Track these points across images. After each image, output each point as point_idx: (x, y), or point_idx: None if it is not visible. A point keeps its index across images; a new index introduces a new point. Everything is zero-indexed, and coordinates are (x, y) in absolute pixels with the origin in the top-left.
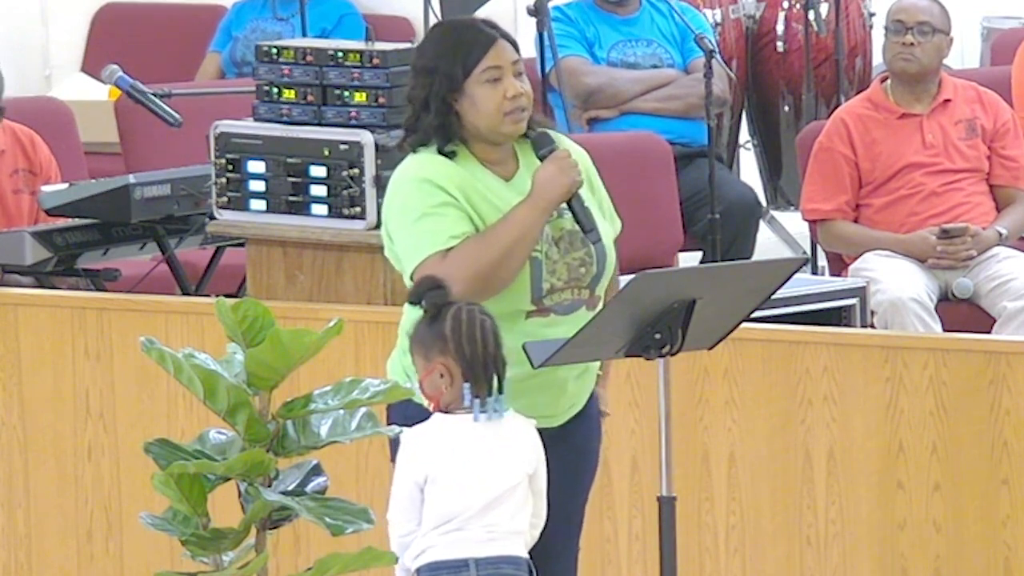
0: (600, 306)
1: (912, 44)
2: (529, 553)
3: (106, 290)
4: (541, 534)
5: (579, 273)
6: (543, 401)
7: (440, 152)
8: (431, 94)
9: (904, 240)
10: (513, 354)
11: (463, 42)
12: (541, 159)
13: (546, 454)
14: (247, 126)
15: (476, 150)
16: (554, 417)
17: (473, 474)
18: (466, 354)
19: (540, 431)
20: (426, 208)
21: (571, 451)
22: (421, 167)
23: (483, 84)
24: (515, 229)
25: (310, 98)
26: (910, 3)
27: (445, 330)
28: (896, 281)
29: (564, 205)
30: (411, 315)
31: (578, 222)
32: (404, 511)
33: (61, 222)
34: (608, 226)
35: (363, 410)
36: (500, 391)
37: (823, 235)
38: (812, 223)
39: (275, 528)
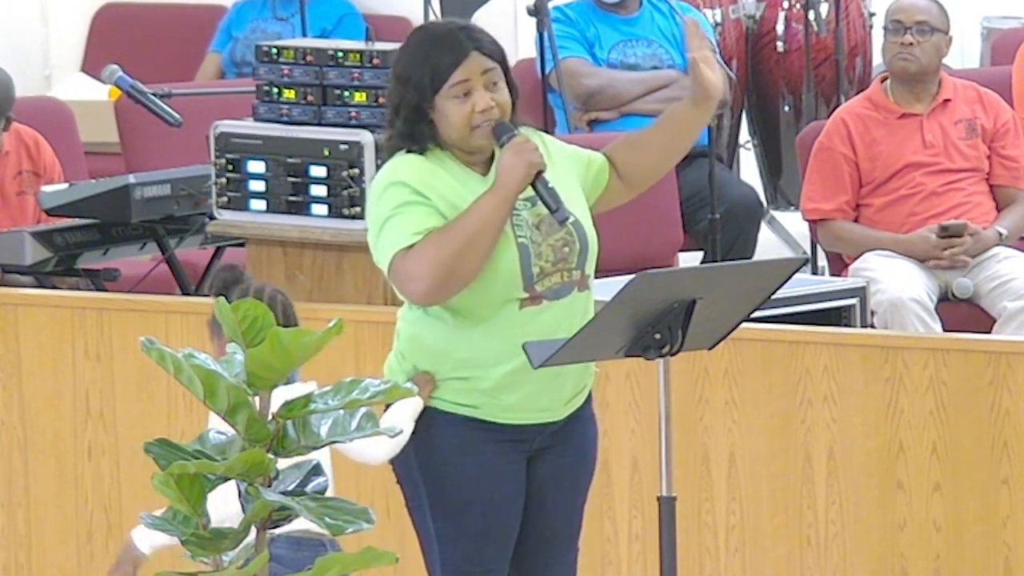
0: (591, 287)
1: (911, 44)
2: (531, 554)
3: (106, 290)
4: (542, 535)
5: (564, 253)
6: (541, 393)
7: (410, 150)
8: (402, 103)
9: (904, 240)
10: (510, 347)
11: (435, 54)
12: (501, 147)
13: (547, 453)
14: (247, 126)
15: (455, 152)
16: (554, 411)
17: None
18: None
19: (541, 427)
20: (390, 211)
21: (571, 451)
22: (390, 172)
23: (452, 99)
24: (476, 218)
25: (310, 98)
26: (908, 3)
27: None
28: (896, 281)
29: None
30: (409, 317)
31: (544, 203)
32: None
33: (61, 222)
34: (585, 210)
35: (363, 410)
36: None
37: (823, 235)
38: (812, 223)
39: (275, 528)
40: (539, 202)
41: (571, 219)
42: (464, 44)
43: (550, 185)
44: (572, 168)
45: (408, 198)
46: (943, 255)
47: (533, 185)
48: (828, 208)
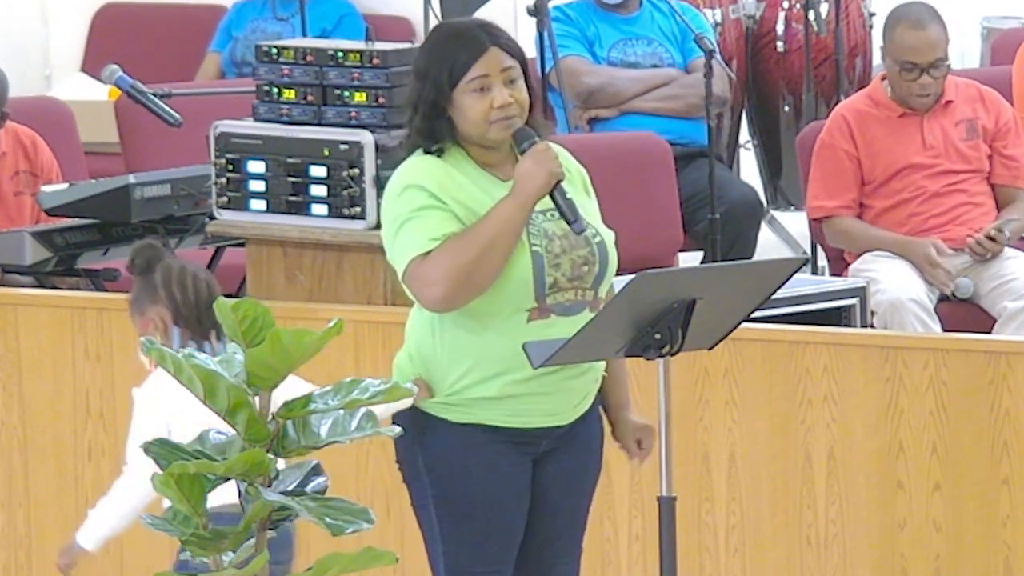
0: None
1: (929, 83)
2: (535, 555)
3: (106, 290)
4: (547, 537)
5: (582, 272)
6: (547, 400)
7: (428, 152)
8: (420, 99)
9: (907, 243)
10: (516, 357)
11: (453, 49)
12: (522, 153)
13: (553, 456)
14: (247, 126)
15: (472, 152)
16: (561, 415)
17: (211, 427)
18: (176, 298)
19: (548, 431)
20: (408, 213)
21: (577, 454)
22: (407, 174)
23: (470, 93)
24: (494, 225)
25: (310, 98)
26: (920, 40)
27: (155, 280)
28: (895, 282)
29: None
30: (418, 319)
31: (561, 213)
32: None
33: (61, 222)
34: (607, 230)
35: (363, 410)
36: (219, 338)
37: (828, 231)
38: (816, 221)
39: (275, 528)
40: None
41: (592, 233)
42: (483, 40)
43: (568, 195)
44: (586, 194)
45: (425, 202)
46: (937, 276)
47: (551, 195)
48: (833, 205)
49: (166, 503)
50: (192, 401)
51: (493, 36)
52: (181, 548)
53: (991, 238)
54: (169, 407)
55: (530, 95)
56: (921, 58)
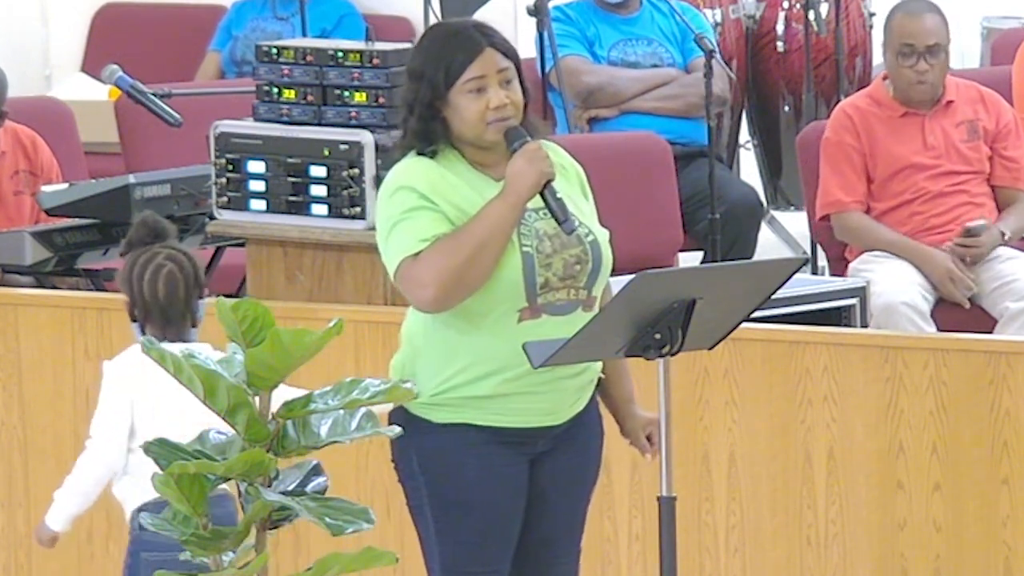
0: (597, 308)
1: (926, 70)
2: (532, 556)
3: (106, 290)
4: (544, 537)
5: (575, 271)
6: (541, 399)
7: (421, 153)
8: (416, 99)
9: (921, 253)
10: (507, 357)
11: (449, 50)
12: (512, 153)
13: (550, 456)
14: (247, 126)
15: (467, 153)
16: (557, 414)
17: (176, 409)
18: (134, 294)
19: (544, 430)
20: (399, 215)
21: (575, 454)
22: (399, 175)
23: (466, 94)
24: (484, 225)
25: (310, 98)
26: (917, 25)
27: (124, 269)
28: (890, 284)
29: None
30: (412, 319)
31: (551, 212)
32: (115, 435)
33: (61, 222)
34: (600, 228)
35: (363, 410)
36: (171, 339)
37: (837, 225)
38: (824, 218)
39: (275, 528)
40: None
41: (585, 232)
42: (479, 41)
43: (558, 195)
44: (582, 193)
45: (416, 203)
46: (954, 286)
47: (541, 194)
48: (848, 200)
49: (119, 490)
50: (158, 381)
51: (488, 37)
52: (131, 547)
53: (963, 245)
54: (134, 384)
55: (525, 96)
56: (918, 41)
